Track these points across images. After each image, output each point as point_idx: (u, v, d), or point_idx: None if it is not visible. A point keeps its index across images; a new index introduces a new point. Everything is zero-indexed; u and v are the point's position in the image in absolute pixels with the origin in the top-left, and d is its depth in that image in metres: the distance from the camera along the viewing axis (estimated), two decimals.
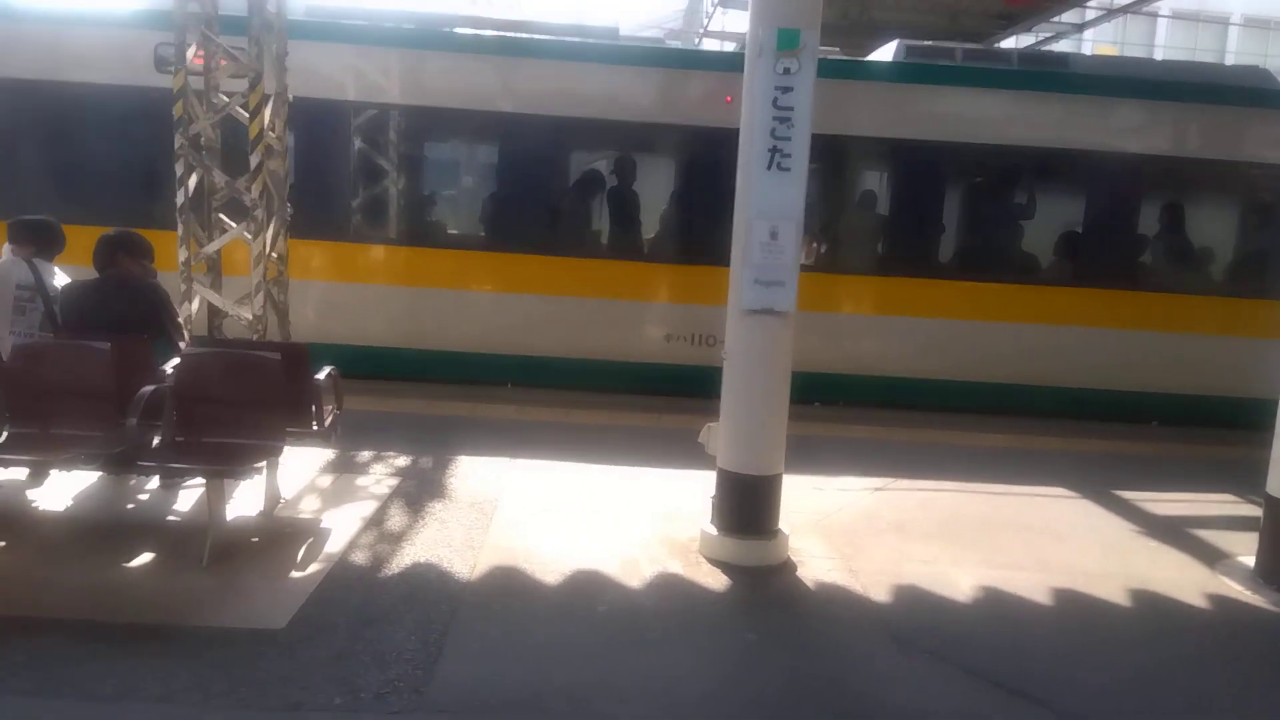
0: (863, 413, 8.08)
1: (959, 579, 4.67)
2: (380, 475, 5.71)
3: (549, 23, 9.13)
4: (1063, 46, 15.94)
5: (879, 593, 4.48)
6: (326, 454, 5.89)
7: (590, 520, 5.18)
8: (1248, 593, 4.71)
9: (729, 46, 16.83)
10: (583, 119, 8.33)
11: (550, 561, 4.57)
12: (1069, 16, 14.40)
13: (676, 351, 8.42)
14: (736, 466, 4.78)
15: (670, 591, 4.38)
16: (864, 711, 3.48)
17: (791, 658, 3.89)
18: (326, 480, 5.58)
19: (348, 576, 4.26)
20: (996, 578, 4.70)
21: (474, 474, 5.82)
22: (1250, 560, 4.95)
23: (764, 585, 4.53)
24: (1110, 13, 14.74)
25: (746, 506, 4.77)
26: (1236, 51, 24.97)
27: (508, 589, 4.27)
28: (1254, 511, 5.09)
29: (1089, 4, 13.63)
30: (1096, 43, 21.24)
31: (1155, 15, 23.66)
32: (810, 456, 5.98)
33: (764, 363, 4.74)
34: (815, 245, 8.59)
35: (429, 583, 4.24)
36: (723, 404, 4.84)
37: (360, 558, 4.47)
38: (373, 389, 7.56)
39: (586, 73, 8.31)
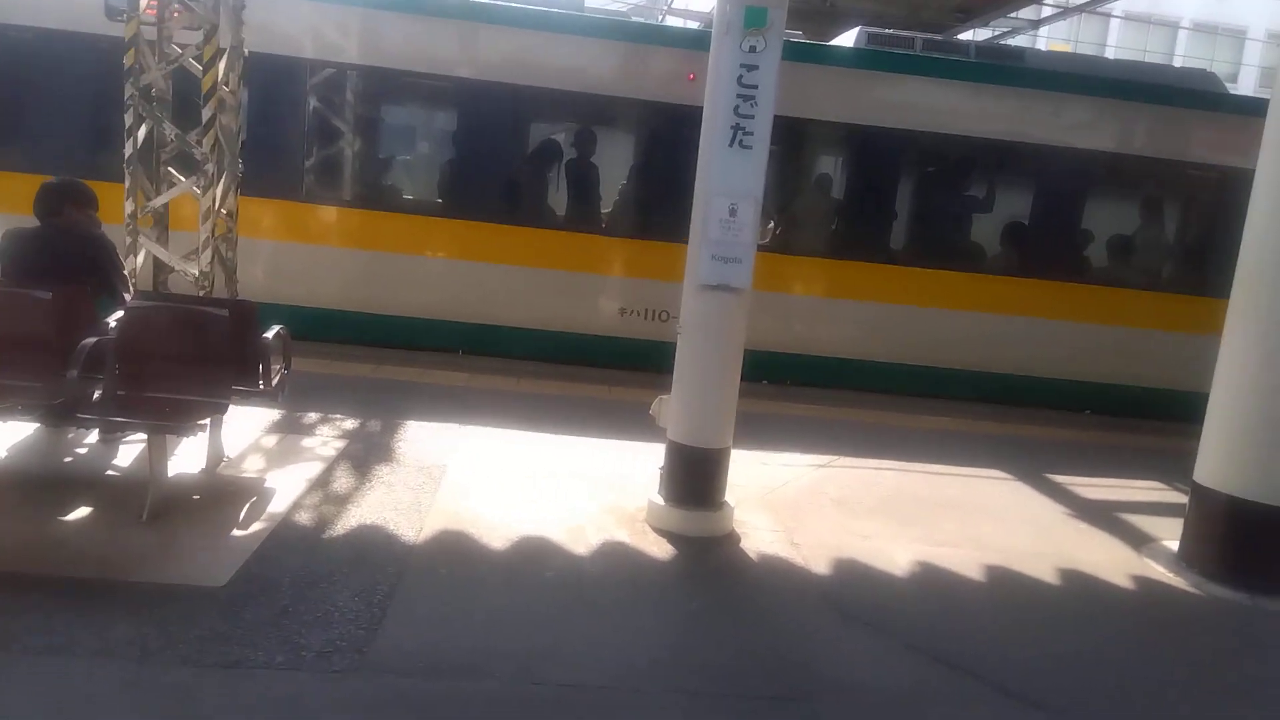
0: (808, 392, 8.19)
1: (898, 554, 4.79)
2: (327, 437, 5.66)
3: None
4: (1018, 42, 16.22)
5: (820, 565, 4.58)
6: (273, 414, 5.81)
7: (539, 488, 5.20)
8: (1171, 575, 4.91)
9: (692, 25, 16.81)
10: (544, 89, 8.27)
11: (498, 527, 4.58)
12: (1025, 13, 14.64)
13: (631, 326, 8.45)
14: (686, 439, 4.83)
15: (617, 560, 4.43)
16: (806, 682, 3.56)
17: (735, 627, 3.96)
18: (272, 440, 5.51)
19: (291, 536, 4.23)
20: (934, 554, 4.83)
21: (423, 439, 5.80)
22: (1174, 544, 5.15)
23: (709, 556, 4.60)
24: (1066, 11, 14.98)
25: (694, 478, 4.83)
26: (1184, 55, 25.61)
27: (454, 553, 4.28)
28: (1180, 498, 5.30)
29: (1045, 1, 13.87)
30: (1050, 40, 21.63)
31: (1109, 15, 24.12)
32: (758, 433, 6.07)
33: (718, 338, 4.79)
34: (771, 226, 8.67)
35: (374, 545, 4.23)
36: (675, 377, 4.88)
37: (304, 518, 4.44)
38: (323, 351, 7.46)
39: (550, 43, 8.24)
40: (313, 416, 5.99)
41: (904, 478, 6.13)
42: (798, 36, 9.22)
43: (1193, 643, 4.33)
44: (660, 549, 4.58)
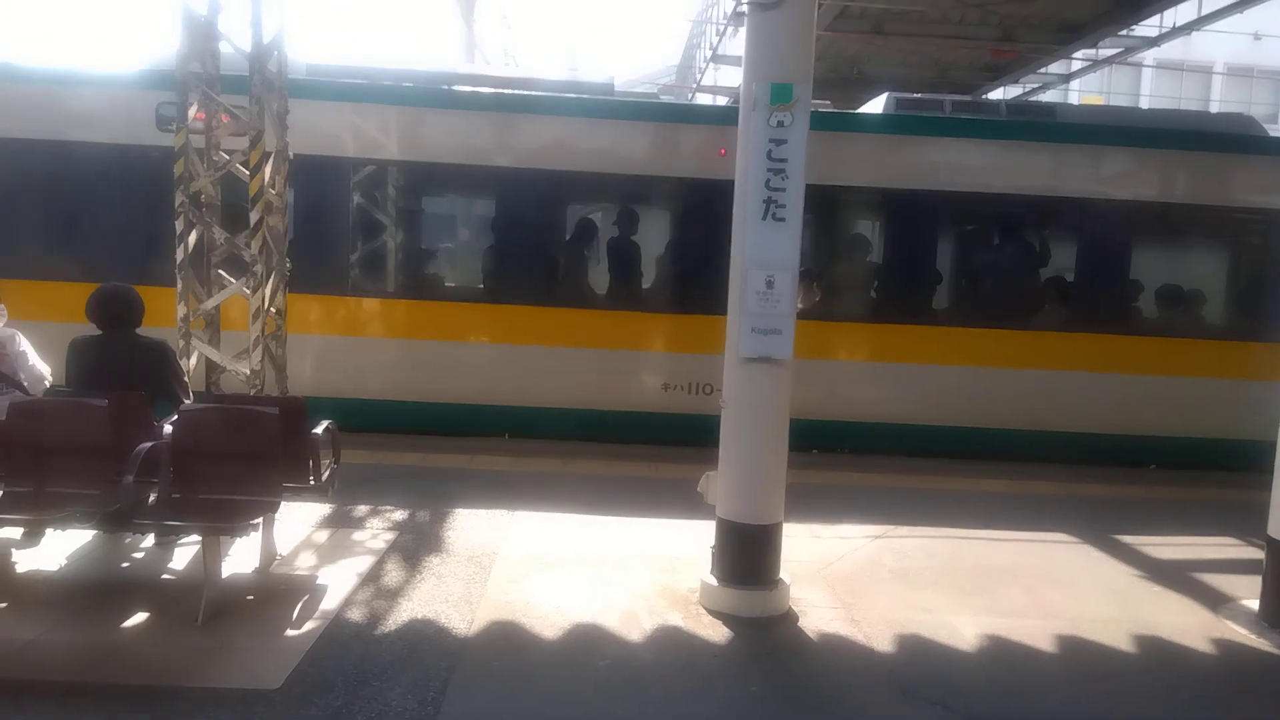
0: (861, 460, 8.05)
1: (962, 627, 4.62)
2: (377, 529, 5.68)
3: (545, 79, 9.29)
4: (1050, 97, 16.27)
5: (882, 642, 4.43)
6: (323, 509, 5.86)
7: (589, 572, 5.14)
8: (1252, 636, 4.67)
9: (721, 100, 17.18)
10: (580, 172, 8.45)
11: (549, 615, 4.53)
12: (1055, 67, 14.74)
13: (675, 401, 8.44)
14: (736, 515, 4.76)
15: (671, 644, 4.33)
16: None
17: (795, 710, 3.83)
18: (323, 536, 5.54)
19: (344, 634, 4.21)
20: (1000, 625, 4.66)
21: (471, 526, 5.79)
22: (1254, 603, 4.91)
23: (766, 636, 4.48)
24: (1095, 63, 15.06)
25: (746, 556, 4.74)
26: (1220, 100, 25.44)
27: (506, 644, 4.22)
28: (1255, 554, 5.07)
29: (1075, 56, 13.95)
30: (1083, 93, 21.65)
31: (1140, 65, 24.12)
32: (809, 504, 5.96)
33: (762, 410, 4.75)
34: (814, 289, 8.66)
35: (426, 639, 4.19)
36: (721, 452, 4.84)
37: (356, 614, 4.43)
38: (370, 442, 7.54)
39: (584, 127, 8.45)
40: (363, 509, 6.02)
41: (964, 545, 5.95)
42: (826, 106, 9.35)
43: (1276, 706, 4.08)
44: (715, 631, 4.48)
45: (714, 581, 4.76)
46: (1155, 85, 25.36)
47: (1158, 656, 4.45)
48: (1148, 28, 12.91)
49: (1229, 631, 4.74)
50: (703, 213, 8.20)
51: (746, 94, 4.68)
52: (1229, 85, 26.17)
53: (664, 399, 8.46)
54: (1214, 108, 23.64)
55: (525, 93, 8.73)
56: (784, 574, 4.82)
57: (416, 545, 5.41)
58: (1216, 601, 5.12)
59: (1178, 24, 12.54)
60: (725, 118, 8.17)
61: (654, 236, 8.86)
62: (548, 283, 8.61)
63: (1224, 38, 19.13)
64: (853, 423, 8.54)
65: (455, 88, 8.69)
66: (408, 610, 4.49)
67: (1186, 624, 4.80)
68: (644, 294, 8.80)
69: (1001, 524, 6.38)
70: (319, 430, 5.04)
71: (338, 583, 4.79)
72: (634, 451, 7.95)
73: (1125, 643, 4.54)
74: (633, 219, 8.73)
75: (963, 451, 8.43)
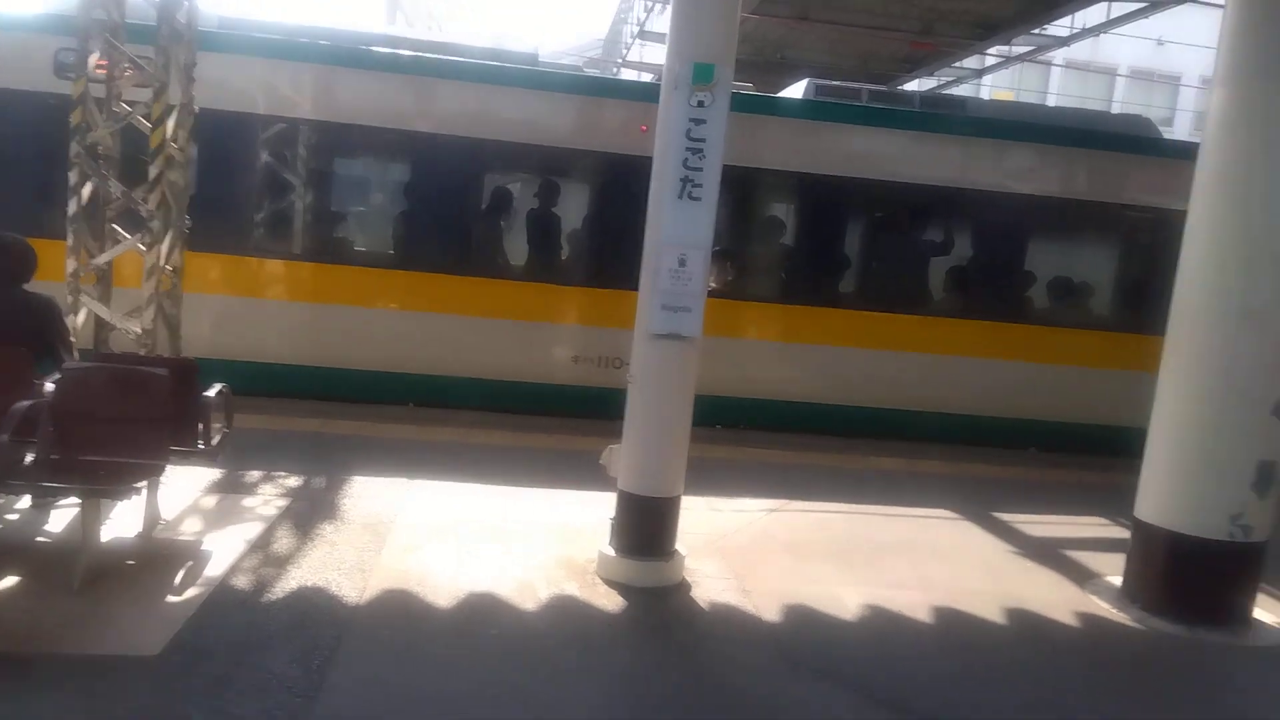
0: (762, 437, 8.22)
1: (847, 598, 4.79)
2: (269, 496, 5.57)
3: (468, 45, 9.12)
4: (963, 91, 16.71)
5: (770, 613, 4.56)
6: (213, 474, 5.71)
7: (488, 542, 5.14)
8: (1115, 610, 4.96)
9: (646, 77, 17.14)
10: (498, 141, 8.35)
11: (444, 584, 4.52)
12: (970, 62, 15.14)
13: (584, 374, 8.46)
14: (636, 488, 4.82)
15: (566, 614, 4.38)
16: None
17: (684, 678, 3.93)
18: (211, 501, 5.41)
19: (228, 601, 4.13)
20: (883, 597, 4.84)
21: (369, 494, 5.72)
22: (1118, 580, 5.21)
23: (659, 606, 4.57)
24: (1008, 60, 15.51)
25: (644, 528, 4.81)
26: (1122, 101, 26.50)
27: (398, 613, 4.21)
28: (1123, 534, 5.36)
29: (988, 52, 14.34)
30: (995, 88, 22.30)
31: (1049, 64, 24.93)
32: (709, 478, 6.07)
33: (668, 386, 4.82)
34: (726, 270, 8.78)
35: (315, 607, 4.14)
36: (626, 426, 4.88)
37: (243, 582, 4.34)
38: (269, 407, 7.37)
39: (505, 96, 8.34)
40: (255, 475, 5.89)
41: (855, 520, 6.16)
42: (748, 88, 9.43)
43: (1135, 678, 4.37)
44: (610, 601, 4.54)
45: (612, 552, 4.83)
46: (1063, 84, 26.28)
47: (1027, 629, 4.69)
48: (1059, 28, 13.36)
49: (1093, 606, 5.02)
50: (621, 188, 8.19)
51: (668, 72, 4.70)
52: (1131, 88, 27.29)
53: (573, 372, 8.48)
54: (1116, 109, 24.60)
55: (446, 57, 8.57)
56: (680, 545, 4.91)
57: (310, 512, 5.32)
58: (1084, 577, 5.42)
59: (1087, 26, 13.02)
60: (648, 94, 8.18)
61: (571, 210, 8.84)
62: (460, 251, 8.51)
63: (1129, 42, 19.90)
64: (759, 400, 8.71)
65: (374, 48, 8.48)
66: (297, 578, 4.42)
67: (1055, 598, 5.07)
68: (558, 266, 8.78)
69: (892, 500, 6.61)
70: (211, 393, 4.91)
71: (225, 549, 4.68)
72: (540, 423, 7.95)
73: (998, 616, 4.77)
74: (550, 191, 8.68)
75: (861, 430, 8.68)
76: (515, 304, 8.42)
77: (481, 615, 4.27)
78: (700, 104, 4.59)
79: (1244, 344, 4.75)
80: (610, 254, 8.27)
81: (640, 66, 19.23)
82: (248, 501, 5.44)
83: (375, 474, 6.10)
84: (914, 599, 4.85)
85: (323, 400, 7.99)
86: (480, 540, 5.16)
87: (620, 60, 19.71)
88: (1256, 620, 4.93)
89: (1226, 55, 4.88)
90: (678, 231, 4.67)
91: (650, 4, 16.49)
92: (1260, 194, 4.74)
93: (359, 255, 8.69)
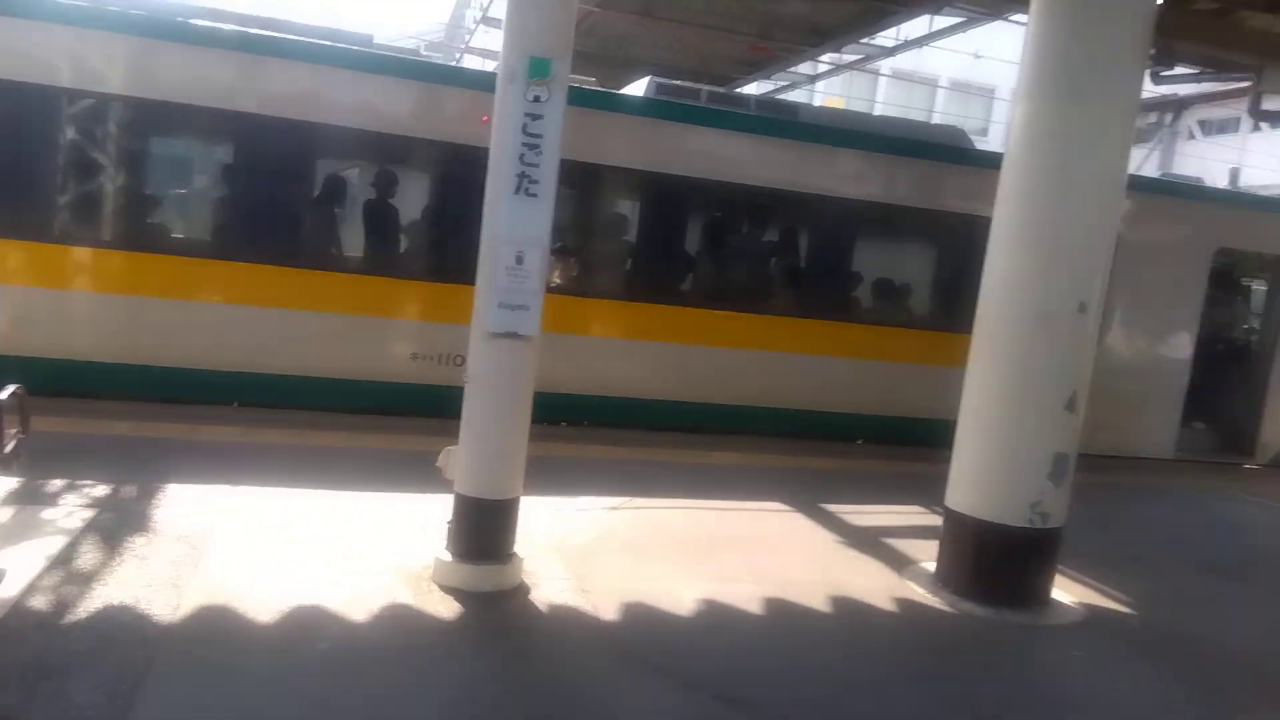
0: (604, 434, 8.29)
1: (684, 594, 4.89)
2: (72, 507, 5.13)
3: (299, 23, 8.68)
4: (797, 96, 17.36)
5: (609, 612, 4.60)
6: (8, 484, 5.21)
7: (317, 550, 4.94)
8: (929, 595, 5.30)
9: (490, 65, 16.86)
10: (331, 126, 7.99)
11: (268, 598, 4.30)
12: (804, 68, 15.74)
13: (423, 371, 8.26)
14: (473, 490, 4.74)
15: (399, 623, 4.26)
16: None
17: (521, 682, 3.91)
18: (5, 515, 4.93)
19: (23, 624, 3.78)
20: (717, 590, 4.98)
21: (186, 504, 5.37)
22: (932, 565, 5.57)
23: (497, 611, 4.52)
24: (838, 67, 16.25)
25: (482, 531, 4.75)
26: (942, 111, 28.27)
27: (217, 630, 3.97)
28: (937, 522, 5.73)
29: (821, 59, 14.97)
30: (827, 94, 23.29)
31: (877, 74, 26.27)
32: (550, 478, 6.05)
33: (506, 386, 4.75)
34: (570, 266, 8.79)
35: (123, 627, 3.85)
36: (463, 427, 4.79)
37: (40, 602, 3.99)
38: (74, 409, 6.80)
39: (339, 79, 8.00)
40: (57, 484, 5.42)
41: (693, 515, 6.30)
42: (591, 83, 9.45)
43: (945, 658, 4.69)
44: (446, 608, 4.45)
45: (449, 557, 4.73)
46: (889, 94, 27.79)
47: (849, 615, 4.95)
48: (885, 39, 14.08)
49: (909, 591, 5.35)
50: (460, 180, 8.02)
51: (504, 65, 4.63)
52: (951, 99, 29.16)
53: (412, 369, 8.26)
54: (936, 118, 26.22)
55: (275, 34, 8.12)
56: (519, 548, 4.87)
57: (119, 524, 4.94)
58: (902, 564, 5.77)
59: (910, 38, 13.78)
60: (489, 83, 8.06)
61: (408, 200, 8.60)
62: (289, 241, 8.11)
63: (950, 55, 21.20)
64: (601, 397, 8.77)
65: (194, 21, 7.93)
66: (103, 596, 4.10)
67: (875, 585, 5.37)
68: (394, 259, 8.53)
69: (728, 495, 6.82)
70: (4, 395, 4.46)
71: (20, 567, 4.28)
72: (376, 423, 7.71)
73: (822, 603, 5.01)
74: (387, 180, 8.41)
75: (701, 426, 8.89)
76: (350, 298, 8.11)
77: (309, 629, 4.10)
78: (537, 99, 4.54)
79: (1039, 344, 5.14)
80: (450, 247, 8.09)
81: (484, 53, 18.90)
82: (48, 514, 4.99)
83: (193, 480, 5.73)
84: (746, 591, 5.01)
85: (135, 401, 7.43)
86: (309, 549, 4.95)
87: (463, 46, 19.29)
88: (1054, 600, 5.37)
89: (1028, 73, 5.26)
90: (514, 228, 4.62)
91: None
92: (1056, 205, 5.13)
93: (175, 244, 8.13)
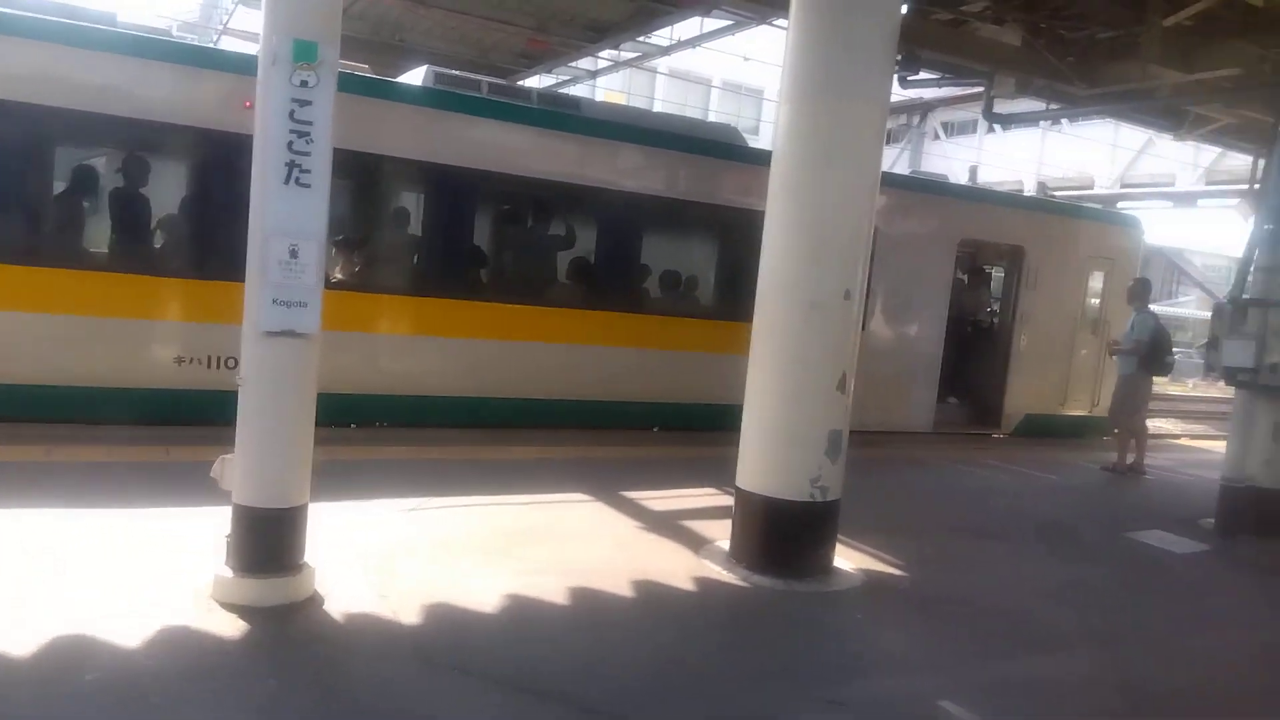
0: (397, 434, 8.05)
1: (488, 591, 4.83)
2: None
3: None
4: (579, 90, 17.55)
5: (409, 615, 4.47)
6: None
7: (76, 574, 4.47)
8: (724, 571, 5.54)
9: (253, 48, 15.82)
10: (72, 110, 7.23)
11: (19, 630, 3.83)
12: (584, 63, 15.93)
13: (190, 376, 7.66)
14: (254, 500, 4.44)
15: (177, 646, 3.93)
16: None
17: (316, 697, 3.72)
18: None
19: None
20: (521, 585, 4.96)
21: None
22: (726, 543, 5.82)
23: (288, 625, 4.27)
24: (617, 64, 16.58)
25: (266, 542, 4.45)
26: (717, 110, 29.54)
27: None
28: (729, 502, 5.99)
29: (600, 55, 15.20)
30: (607, 90, 23.69)
31: (655, 71, 27.02)
32: (343, 482, 5.80)
33: (285, 387, 4.47)
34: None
35: None
36: (239, 433, 4.47)
37: None
38: None
39: (80, 59, 7.23)
40: None
41: (494, 511, 6.24)
42: (364, 70, 9.10)
43: (740, 629, 4.93)
44: (230, 626, 4.15)
45: (229, 573, 4.41)
46: (667, 91, 28.69)
47: (651, 596, 5.08)
48: (661, 38, 14.50)
49: (706, 569, 5.57)
50: (225, 168, 7.49)
51: (266, 48, 4.34)
52: (724, 98, 30.51)
53: (178, 374, 7.64)
54: (711, 116, 27.33)
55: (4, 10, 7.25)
56: (311, 557, 4.63)
57: None
58: (699, 544, 5.99)
59: (683, 39, 14.28)
60: (249, 66, 7.59)
61: (168, 191, 7.94)
62: (27, 237, 7.28)
63: (722, 57, 22.12)
64: (390, 396, 8.50)
65: None
66: None
67: (674, 566, 5.55)
68: (154, 255, 7.86)
69: (530, 488, 6.81)
70: None
71: None
72: (139, 434, 7.07)
73: (625, 588, 5.11)
74: (141, 170, 7.72)
75: (498, 421, 8.82)
76: (100, 298, 7.38)
77: (75, 659, 3.70)
78: (304, 84, 4.30)
79: (812, 330, 5.47)
80: (214, 241, 7.55)
81: (244, 35, 17.71)
82: None
83: None
84: (550, 583, 5.02)
85: None
86: (69, 574, 4.47)
87: (221, 27, 17.97)
88: (837, 569, 5.75)
89: (790, 74, 5.58)
90: (287, 220, 4.34)
91: None
92: (820, 199, 5.47)
93: None
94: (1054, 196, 16.80)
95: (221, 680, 3.75)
